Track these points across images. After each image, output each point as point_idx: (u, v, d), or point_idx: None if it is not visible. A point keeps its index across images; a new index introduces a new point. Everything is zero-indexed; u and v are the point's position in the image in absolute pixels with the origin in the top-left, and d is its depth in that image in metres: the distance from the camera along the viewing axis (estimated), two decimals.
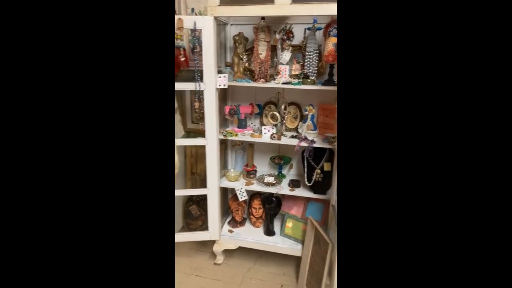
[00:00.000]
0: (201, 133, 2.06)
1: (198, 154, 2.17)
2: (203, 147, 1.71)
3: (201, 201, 2.21)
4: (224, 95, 1.89)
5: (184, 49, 1.82)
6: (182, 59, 1.53)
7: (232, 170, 1.92)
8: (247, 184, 1.81)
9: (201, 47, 1.88)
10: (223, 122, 1.89)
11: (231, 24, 1.79)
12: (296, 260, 1.89)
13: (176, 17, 1.44)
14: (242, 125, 1.82)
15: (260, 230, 1.96)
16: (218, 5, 1.46)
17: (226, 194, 2.15)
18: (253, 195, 1.94)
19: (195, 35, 1.68)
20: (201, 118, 2.08)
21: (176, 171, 1.67)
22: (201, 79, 1.56)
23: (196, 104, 1.60)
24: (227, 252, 1.95)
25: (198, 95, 1.60)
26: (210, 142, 1.67)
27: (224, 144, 1.99)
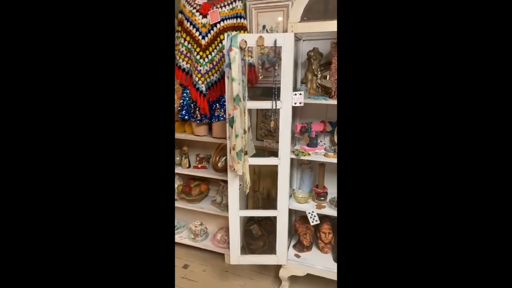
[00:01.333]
0: (266, 151, 2.01)
1: (261, 172, 2.11)
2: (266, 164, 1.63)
3: (263, 220, 2.14)
4: (293, 112, 1.82)
5: (254, 66, 1.80)
6: (261, 77, 1.50)
7: (300, 190, 1.82)
8: (317, 207, 1.70)
9: (270, 64, 1.85)
10: (291, 140, 1.81)
11: (304, 40, 1.74)
12: None
13: (257, 35, 1.41)
14: (313, 143, 1.73)
15: (329, 257, 1.82)
16: (299, 22, 1.41)
17: (290, 215, 2.05)
18: (321, 218, 1.82)
19: (268, 52, 1.64)
20: (265, 135, 2.04)
21: (247, 190, 1.61)
22: (278, 97, 1.51)
23: (272, 123, 1.54)
24: (292, 278, 1.83)
25: (274, 113, 1.55)
26: (283, 162, 1.60)
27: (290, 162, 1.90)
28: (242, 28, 1.74)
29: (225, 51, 1.42)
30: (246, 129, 1.52)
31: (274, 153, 1.91)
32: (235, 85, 1.40)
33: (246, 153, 1.55)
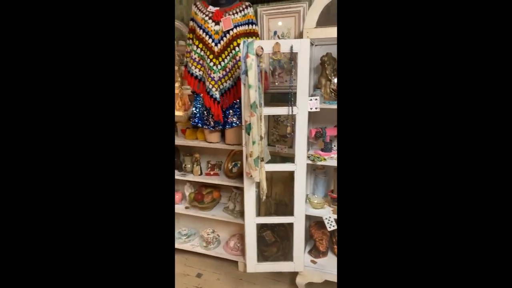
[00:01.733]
0: (278, 156, 2.00)
1: (273, 177, 2.10)
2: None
3: (276, 227, 2.12)
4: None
5: (266, 72, 1.80)
6: (277, 83, 1.49)
7: (314, 196, 1.81)
8: (334, 212, 1.69)
9: (281, 69, 1.85)
10: None
11: (316, 45, 1.74)
12: None
13: (273, 41, 1.41)
14: (327, 148, 1.72)
15: None
16: (315, 27, 1.42)
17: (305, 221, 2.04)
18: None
19: (280, 57, 1.63)
20: (277, 140, 2.04)
21: (264, 197, 1.60)
22: (294, 103, 1.50)
23: (288, 129, 1.54)
24: (308, 285, 1.81)
25: (289, 119, 1.54)
26: (299, 167, 1.59)
27: None
28: (254, 35, 1.74)
29: (241, 58, 1.42)
30: (262, 135, 1.52)
31: (287, 158, 1.91)
32: (252, 92, 1.39)
33: (262, 160, 1.54)
